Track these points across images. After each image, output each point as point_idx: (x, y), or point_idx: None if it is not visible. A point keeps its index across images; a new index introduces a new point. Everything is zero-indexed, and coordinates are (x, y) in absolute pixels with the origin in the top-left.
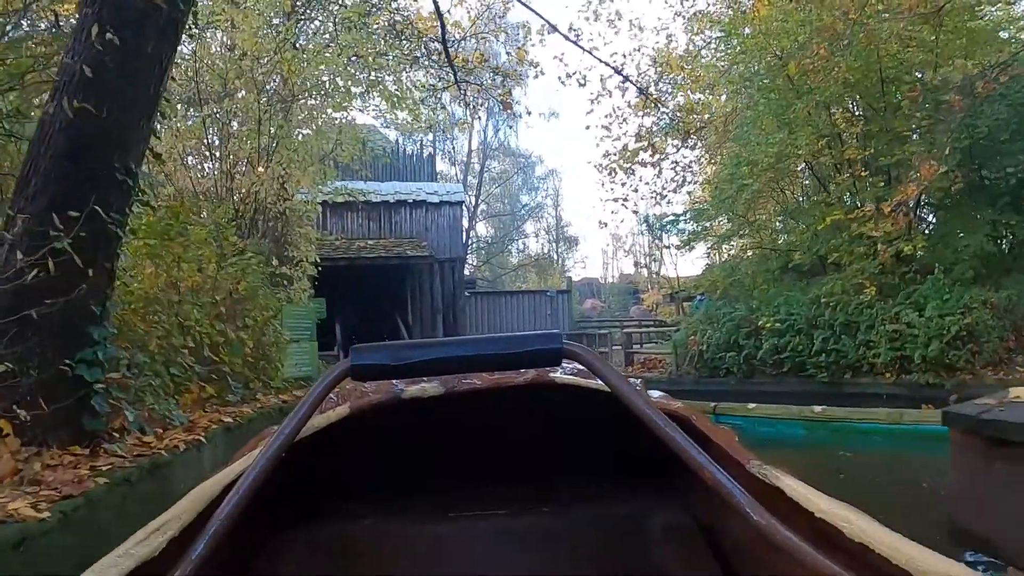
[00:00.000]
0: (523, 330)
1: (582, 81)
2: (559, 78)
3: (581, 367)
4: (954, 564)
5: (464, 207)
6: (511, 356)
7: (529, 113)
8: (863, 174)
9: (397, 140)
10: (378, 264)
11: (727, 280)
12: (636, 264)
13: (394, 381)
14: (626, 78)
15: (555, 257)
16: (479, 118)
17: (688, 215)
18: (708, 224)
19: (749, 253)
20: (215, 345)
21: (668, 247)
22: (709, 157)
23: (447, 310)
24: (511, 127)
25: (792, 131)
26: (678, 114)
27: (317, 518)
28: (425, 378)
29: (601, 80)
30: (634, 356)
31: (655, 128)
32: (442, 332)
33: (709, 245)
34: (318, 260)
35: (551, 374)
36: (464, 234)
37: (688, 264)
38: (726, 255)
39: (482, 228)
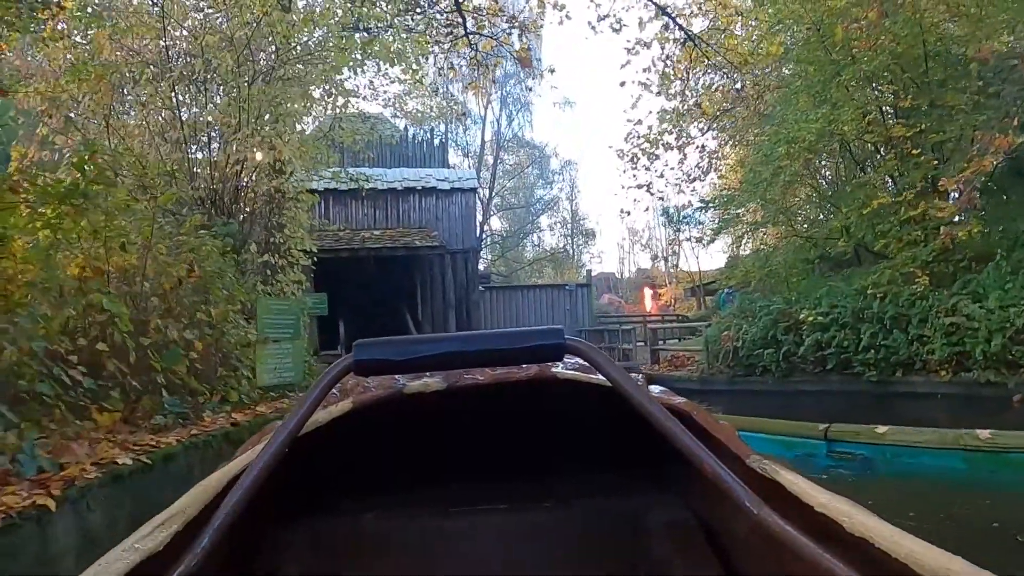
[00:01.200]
0: (542, 324)
1: (616, 26)
2: (589, 23)
3: (583, 362)
4: (954, 559)
5: (477, 195)
6: (513, 351)
7: (552, 71)
8: (914, 152)
9: (406, 127)
10: (384, 255)
11: (762, 270)
12: (654, 258)
13: (396, 376)
14: (672, 18)
15: (571, 251)
16: (491, 104)
17: (716, 202)
18: (738, 212)
19: (783, 242)
20: (147, 347)
21: (689, 239)
22: (738, 139)
23: (460, 305)
24: (526, 117)
25: (835, 107)
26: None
27: (320, 513)
28: (427, 373)
29: (640, 24)
30: (659, 353)
31: (683, 108)
32: (455, 329)
33: (739, 234)
34: (313, 249)
35: (553, 369)
36: (478, 224)
37: (707, 258)
38: (758, 244)
39: (496, 222)
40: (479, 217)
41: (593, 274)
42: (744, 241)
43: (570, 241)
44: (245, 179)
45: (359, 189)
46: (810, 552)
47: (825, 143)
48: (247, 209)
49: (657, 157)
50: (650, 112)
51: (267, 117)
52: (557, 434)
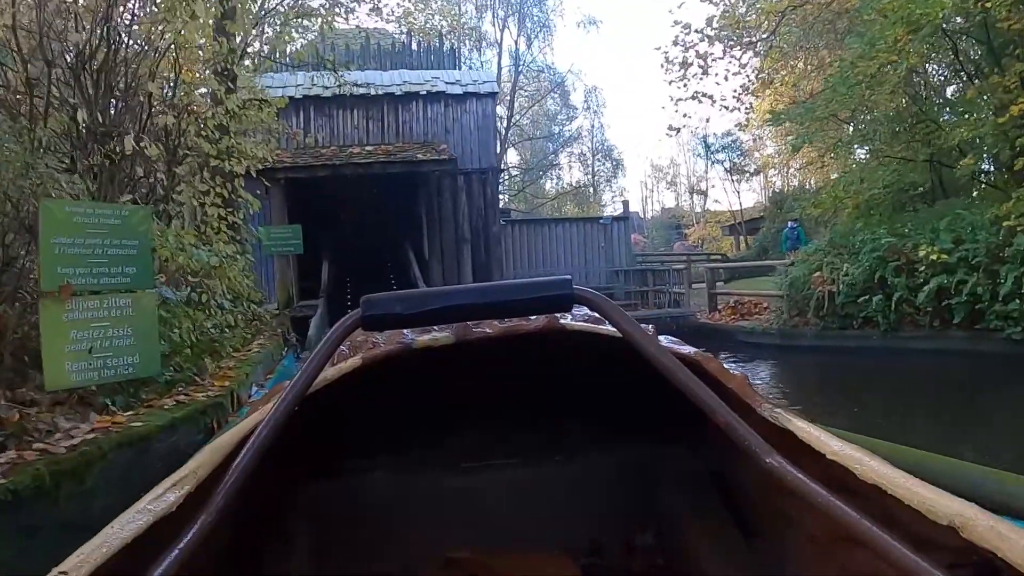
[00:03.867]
0: (573, 265)
1: None
2: None
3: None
4: (968, 505)
5: (496, 101)
6: (522, 302)
7: None
8: None
9: (409, 34)
10: (376, 174)
11: (864, 194)
12: (691, 191)
13: (405, 332)
14: None
15: (594, 187)
16: (508, 27)
17: (791, 114)
18: (823, 119)
19: (870, 165)
20: None
21: (730, 170)
22: (804, 46)
23: (476, 239)
24: (546, 39)
25: None
26: None
27: (330, 470)
28: (436, 327)
29: None
30: (717, 297)
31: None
32: (470, 270)
33: (820, 151)
34: (265, 155)
35: (562, 320)
36: (499, 138)
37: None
38: (845, 165)
39: (513, 156)
40: (502, 128)
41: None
42: (841, 157)
43: (592, 175)
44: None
45: (346, 95)
46: (822, 500)
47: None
48: (119, 80)
49: (707, 72)
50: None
51: None
52: (567, 387)
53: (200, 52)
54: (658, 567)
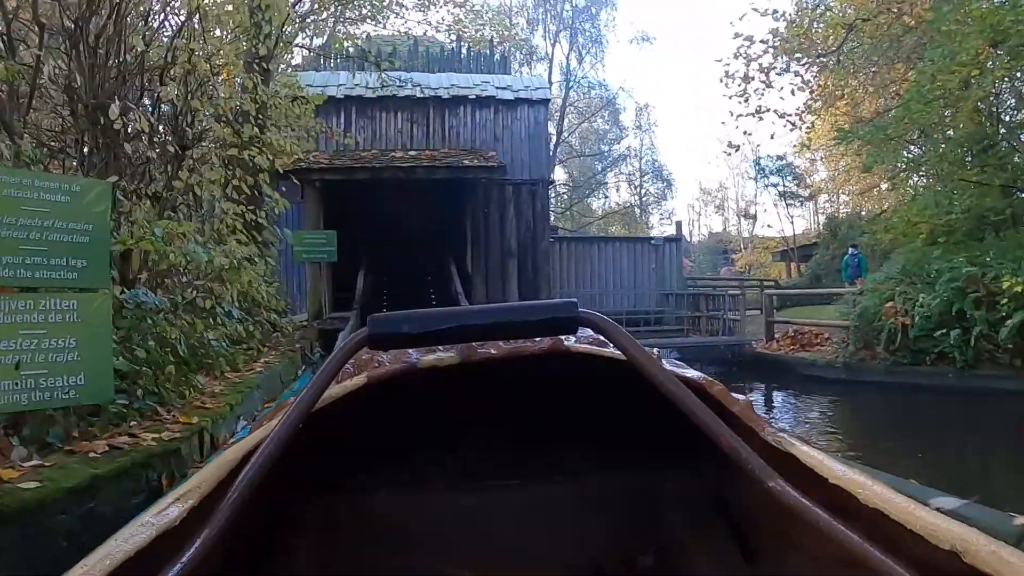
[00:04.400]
0: (622, 287)
1: None
2: None
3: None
4: (970, 530)
5: (548, 109)
6: (527, 324)
7: None
8: None
9: (459, 39)
10: (419, 180)
11: (941, 219)
12: (740, 214)
13: (410, 350)
14: None
15: (641, 209)
16: (559, 42)
17: (858, 133)
18: (894, 138)
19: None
20: None
21: (783, 193)
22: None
23: (524, 255)
24: (598, 55)
25: None
26: None
27: (334, 489)
28: (441, 347)
29: None
30: (775, 326)
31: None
32: (516, 287)
33: (885, 174)
34: (295, 150)
35: (567, 342)
36: (550, 148)
37: (776, 222)
38: (910, 188)
39: (560, 173)
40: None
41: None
42: (905, 180)
43: (640, 195)
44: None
45: (390, 96)
46: (825, 524)
47: None
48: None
49: (770, 85)
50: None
51: None
52: (571, 408)
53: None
54: None
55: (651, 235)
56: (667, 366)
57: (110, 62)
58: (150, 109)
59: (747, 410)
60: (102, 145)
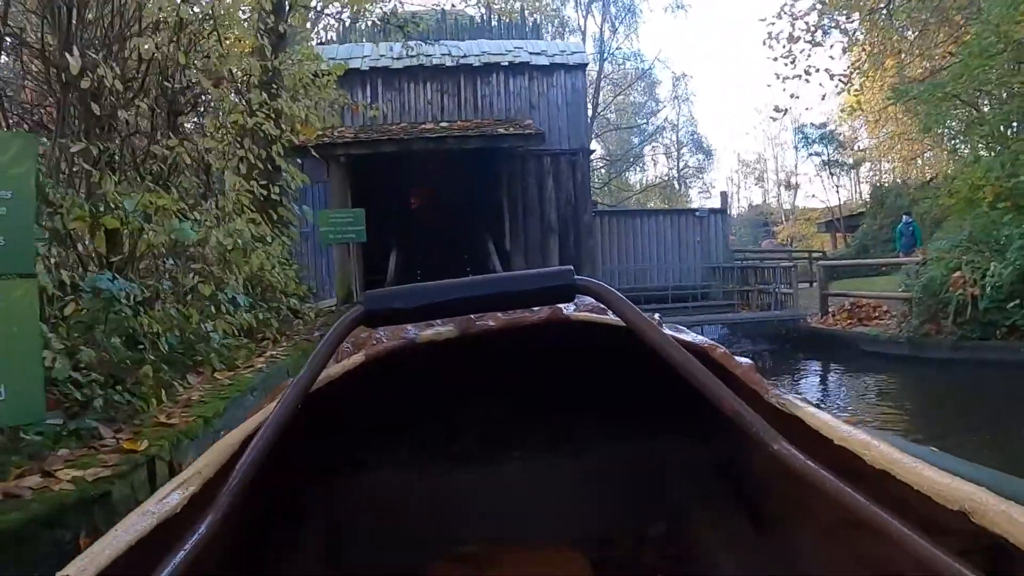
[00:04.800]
0: (666, 261)
1: None
2: None
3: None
4: (978, 489)
5: (587, 75)
6: (523, 293)
7: None
8: None
9: (488, 8)
10: (451, 152)
11: (1008, 181)
12: (782, 184)
13: (408, 326)
14: None
15: (680, 182)
16: (592, 14)
17: (916, 89)
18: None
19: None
20: None
21: (827, 162)
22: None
23: (565, 230)
24: (632, 25)
25: None
26: None
27: (336, 468)
28: (439, 321)
29: None
30: (828, 299)
31: None
32: (558, 264)
33: (951, 134)
34: (314, 121)
35: (566, 311)
36: (588, 116)
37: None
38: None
39: (597, 148)
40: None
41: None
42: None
43: (677, 167)
44: None
45: (418, 67)
46: (831, 486)
47: None
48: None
49: (818, 42)
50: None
51: None
52: (572, 378)
53: None
54: (669, 558)
55: (694, 207)
56: (667, 331)
57: (85, 14)
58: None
59: (750, 372)
60: (78, 112)
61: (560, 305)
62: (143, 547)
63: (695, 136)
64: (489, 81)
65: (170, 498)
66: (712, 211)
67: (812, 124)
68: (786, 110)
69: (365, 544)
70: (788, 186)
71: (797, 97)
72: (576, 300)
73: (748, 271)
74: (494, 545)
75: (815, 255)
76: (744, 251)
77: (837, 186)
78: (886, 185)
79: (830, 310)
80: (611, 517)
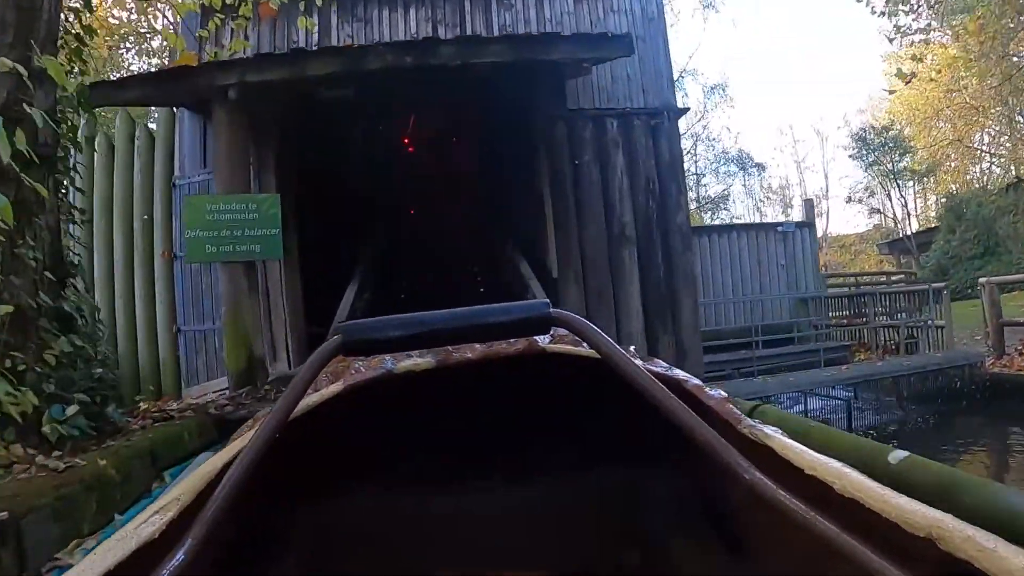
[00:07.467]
0: (744, 293)
1: None
2: None
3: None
4: (945, 516)
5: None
6: (500, 325)
7: None
8: None
9: None
10: (444, 84)
11: None
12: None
13: (385, 356)
14: None
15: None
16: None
17: None
18: None
19: None
20: None
21: (895, 172)
22: None
23: (647, 238)
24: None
25: None
26: None
27: (315, 495)
28: (416, 352)
29: None
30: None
31: None
32: (639, 297)
33: None
34: None
35: (542, 343)
36: (671, 66)
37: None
38: None
39: None
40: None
41: None
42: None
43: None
44: None
45: None
46: (802, 514)
47: None
48: None
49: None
50: None
51: None
52: (549, 408)
53: None
54: None
55: (778, 221)
56: (639, 363)
57: None
58: None
59: (723, 404)
60: None
61: (537, 337)
62: (120, 573)
63: (742, 154)
64: (512, 4)
65: (148, 524)
66: (799, 225)
67: (872, 127)
68: (912, 75)
69: (344, 570)
70: (856, 200)
71: (920, 60)
72: (552, 331)
73: (864, 299)
74: (472, 572)
75: (894, 278)
76: (840, 275)
77: (904, 199)
78: (961, 194)
79: (1015, 348)
80: (587, 546)
